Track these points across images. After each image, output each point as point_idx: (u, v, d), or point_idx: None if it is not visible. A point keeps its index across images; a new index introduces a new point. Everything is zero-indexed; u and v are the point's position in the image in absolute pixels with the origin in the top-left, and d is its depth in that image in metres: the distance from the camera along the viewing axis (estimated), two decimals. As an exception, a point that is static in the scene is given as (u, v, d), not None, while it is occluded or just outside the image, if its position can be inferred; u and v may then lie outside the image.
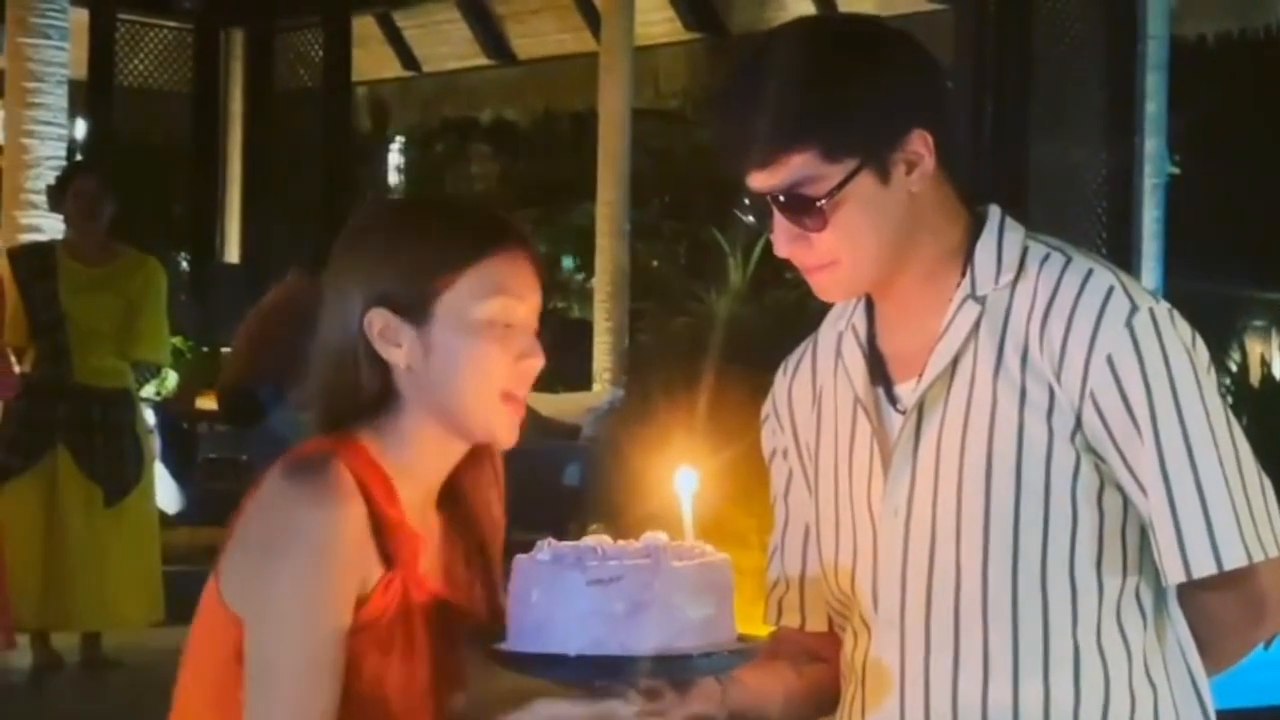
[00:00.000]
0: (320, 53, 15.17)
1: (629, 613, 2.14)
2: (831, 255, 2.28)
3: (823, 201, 2.23)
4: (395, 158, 23.62)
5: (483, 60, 16.44)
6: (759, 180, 2.27)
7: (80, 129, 14.72)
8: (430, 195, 12.35)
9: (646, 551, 2.20)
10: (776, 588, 2.50)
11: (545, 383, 11.65)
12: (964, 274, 2.31)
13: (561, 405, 13.40)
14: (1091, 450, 2.24)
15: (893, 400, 2.35)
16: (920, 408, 2.30)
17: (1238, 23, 12.81)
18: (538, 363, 2.24)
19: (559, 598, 2.15)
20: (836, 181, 2.23)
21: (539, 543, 2.20)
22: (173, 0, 14.98)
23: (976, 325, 2.28)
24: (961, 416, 2.27)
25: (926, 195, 2.30)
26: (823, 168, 2.23)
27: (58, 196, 8.51)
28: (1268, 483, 2.27)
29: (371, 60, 16.42)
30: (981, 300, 2.29)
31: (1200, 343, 2.27)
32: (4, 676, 8.40)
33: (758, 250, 8.68)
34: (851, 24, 2.51)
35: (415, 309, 2.19)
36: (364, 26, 15.91)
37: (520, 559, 2.20)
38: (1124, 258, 9.85)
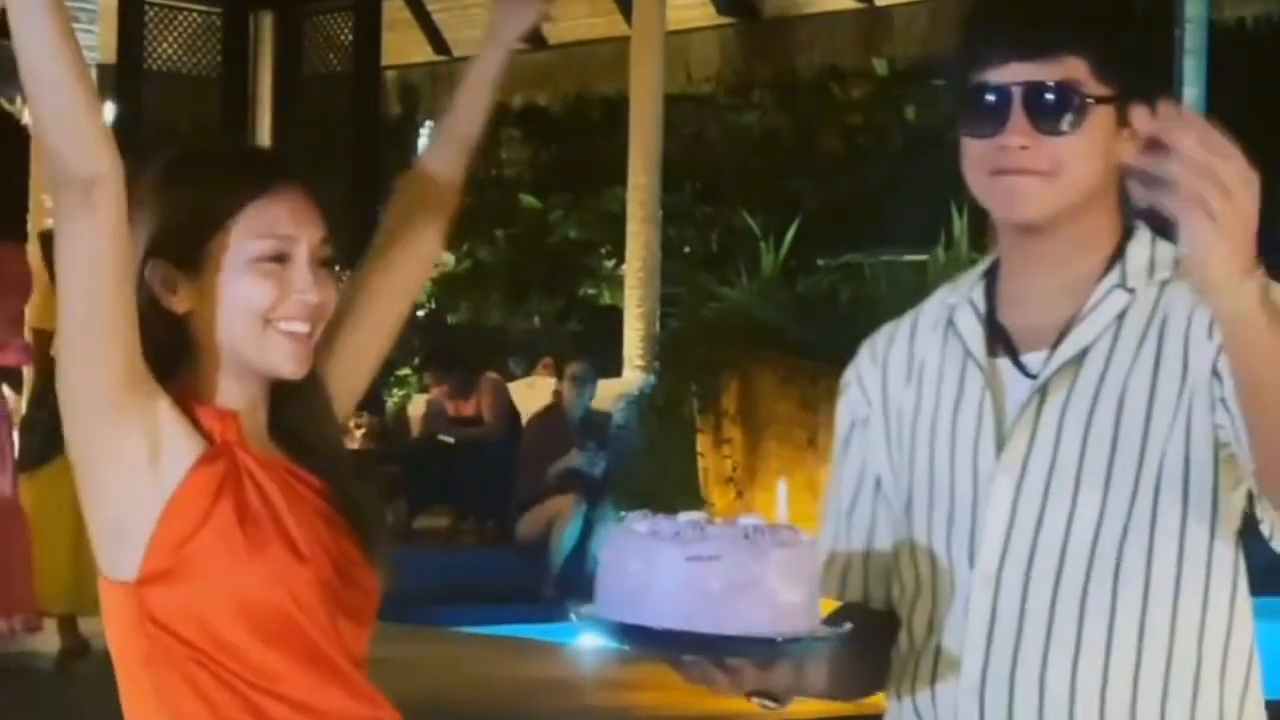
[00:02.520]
0: (350, 37, 15.21)
1: (724, 592, 2.16)
2: (1056, 163, 2.36)
3: (1089, 102, 2.35)
4: (425, 143, 23.62)
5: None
6: (1020, 71, 2.37)
7: (109, 113, 14.77)
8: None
9: (745, 532, 2.23)
10: (837, 560, 2.55)
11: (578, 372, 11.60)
12: (1111, 266, 2.41)
13: (606, 395, 13.47)
14: (1222, 445, 2.32)
15: (1020, 367, 2.43)
16: (1049, 377, 2.38)
17: (1278, 6, 12.70)
18: (314, 297, 2.32)
19: (655, 570, 2.17)
20: (1092, 96, 2.35)
21: (634, 514, 2.24)
22: (201, -17, 15.02)
23: (1122, 315, 2.38)
24: (1091, 394, 2.37)
25: (1115, 175, 2.40)
26: (1087, 80, 2.36)
27: None
28: None
29: (401, 44, 16.44)
30: (1131, 291, 2.40)
31: None
32: (31, 661, 8.48)
33: (790, 236, 8.68)
34: None
35: (188, 256, 2.30)
36: (394, 10, 15.93)
37: (618, 529, 2.24)
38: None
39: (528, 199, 21.76)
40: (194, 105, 15.29)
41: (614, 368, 14.77)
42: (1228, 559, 2.41)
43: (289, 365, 2.33)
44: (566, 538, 11.89)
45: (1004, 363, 2.45)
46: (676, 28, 14.89)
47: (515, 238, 21.82)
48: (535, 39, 16.37)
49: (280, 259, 2.29)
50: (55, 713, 7.85)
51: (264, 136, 15.43)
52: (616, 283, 18.20)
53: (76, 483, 2.28)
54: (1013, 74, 2.37)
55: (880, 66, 17.43)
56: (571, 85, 16.99)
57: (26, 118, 11.55)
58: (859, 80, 19.49)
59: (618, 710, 7.55)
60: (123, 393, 2.21)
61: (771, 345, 8.28)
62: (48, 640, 8.38)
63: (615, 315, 16.60)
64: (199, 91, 15.35)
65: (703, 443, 8.55)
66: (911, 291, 8.71)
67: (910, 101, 20.06)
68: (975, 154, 2.41)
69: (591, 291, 21.10)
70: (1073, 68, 2.37)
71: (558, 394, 13.20)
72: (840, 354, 8.64)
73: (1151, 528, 2.37)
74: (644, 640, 2.19)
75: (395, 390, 17.31)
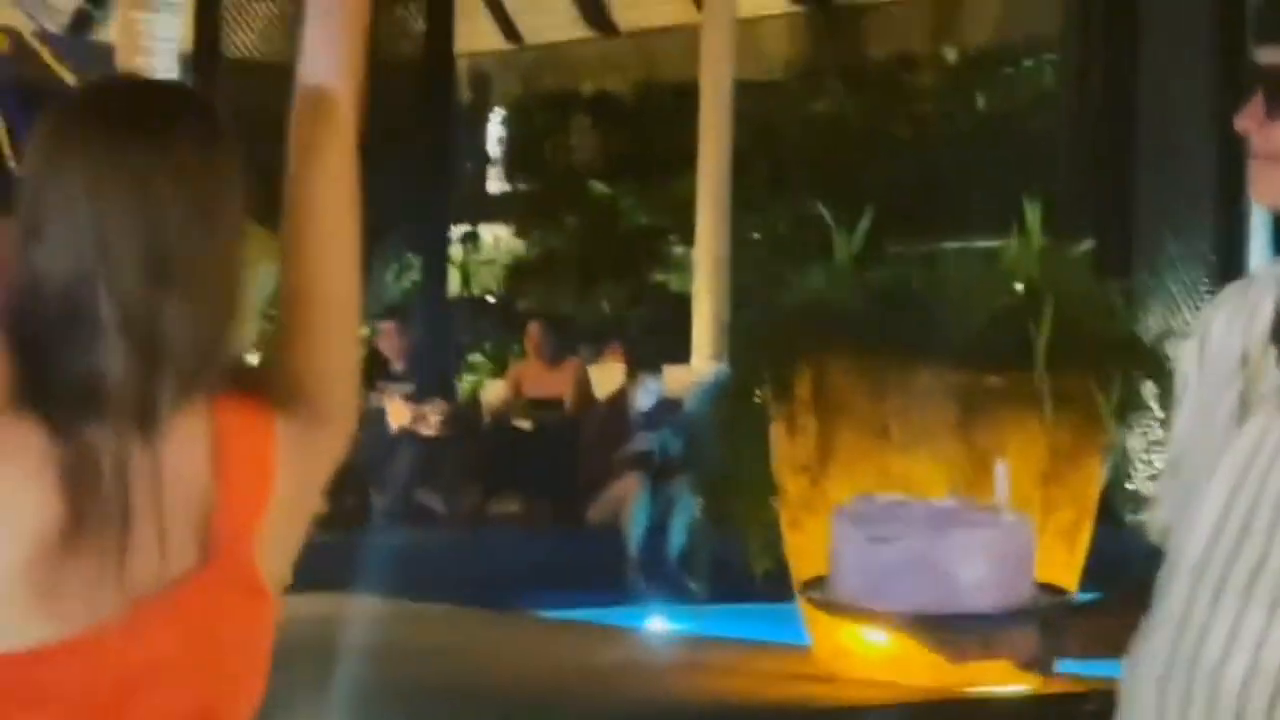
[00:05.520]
0: (422, 24, 15.27)
1: (898, 569, 2.36)
2: None
3: None
4: (496, 130, 23.71)
5: (585, 32, 16.52)
6: None
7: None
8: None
9: (930, 515, 2.40)
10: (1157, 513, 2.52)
11: (647, 359, 11.78)
12: None
13: (674, 381, 13.54)
14: None
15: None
16: None
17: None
18: None
19: (844, 549, 2.42)
20: None
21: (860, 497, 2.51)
22: (279, -27, 15.12)
23: None
24: None
25: None
26: None
27: None
28: None
29: (473, 32, 16.51)
30: None
31: None
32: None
33: (862, 225, 8.66)
34: None
35: None
36: (467, -1, 16.00)
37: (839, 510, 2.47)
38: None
39: (598, 186, 21.74)
40: (271, 92, 15.36)
41: (683, 354, 14.82)
42: None
43: None
44: (636, 520, 11.94)
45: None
46: (747, 15, 14.92)
47: (585, 225, 21.84)
48: (606, 25, 16.47)
49: None
50: None
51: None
52: (686, 269, 18.21)
53: None
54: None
55: (950, 53, 17.42)
56: (642, 72, 17.03)
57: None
58: (929, 67, 19.41)
59: (694, 694, 7.60)
60: None
61: (845, 334, 8.29)
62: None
63: (684, 302, 16.60)
64: (276, 79, 15.44)
65: (776, 430, 8.57)
66: (983, 280, 8.77)
67: (980, 88, 19.96)
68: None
69: (661, 278, 21.08)
70: None
71: (627, 380, 13.27)
72: (912, 344, 8.79)
73: None
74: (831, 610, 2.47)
75: (467, 377, 17.40)
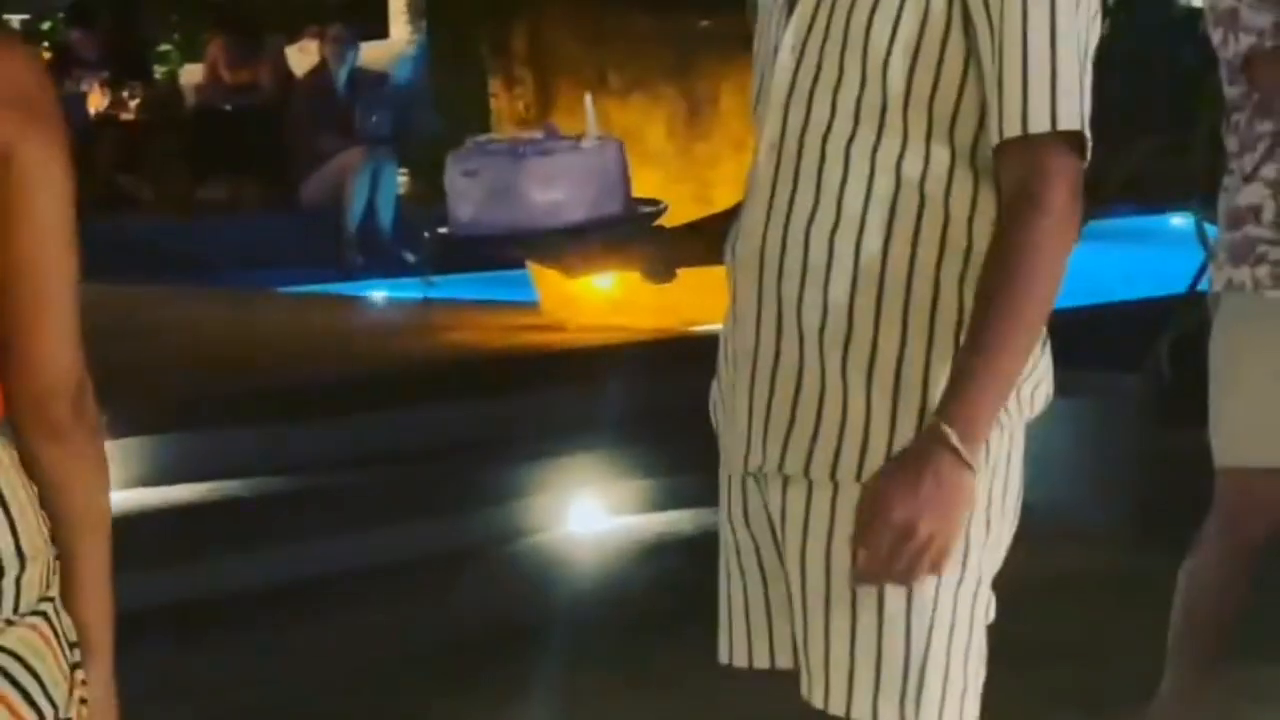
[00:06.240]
0: None
1: (484, 198, 2.62)
2: None
3: None
4: None
5: None
6: None
7: None
8: None
9: (512, 148, 2.64)
10: None
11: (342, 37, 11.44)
12: None
13: (369, 54, 13.50)
14: (969, 20, 2.40)
15: None
16: None
17: None
18: None
19: (449, 186, 2.67)
20: None
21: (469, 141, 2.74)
22: None
23: None
24: None
25: None
26: None
27: None
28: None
29: None
30: None
31: None
32: None
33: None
34: None
35: None
36: None
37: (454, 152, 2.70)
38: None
39: None
40: None
41: (380, 31, 14.72)
42: (968, 175, 2.45)
43: None
44: (357, 196, 11.96)
45: None
46: None
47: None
48: None
49: None
50: None
51: None
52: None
53: None
54: None
55: None
56: None
57: None
58: None
59: (430, 350, 7.72)
60: None
61: None
62: None
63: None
64: None
65: (494, 85, 8.60)
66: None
67: None
68: None
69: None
70: None
71: (323, 58, 13.17)
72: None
73: (898, 139, 2.43)
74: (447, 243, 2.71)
75: (159, 65, 17.01)
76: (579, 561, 6.00)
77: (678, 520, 6.24)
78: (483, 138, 2.85)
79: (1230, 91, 4.00)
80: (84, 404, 2.12)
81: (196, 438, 6.19)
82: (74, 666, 2.12)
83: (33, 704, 2.04)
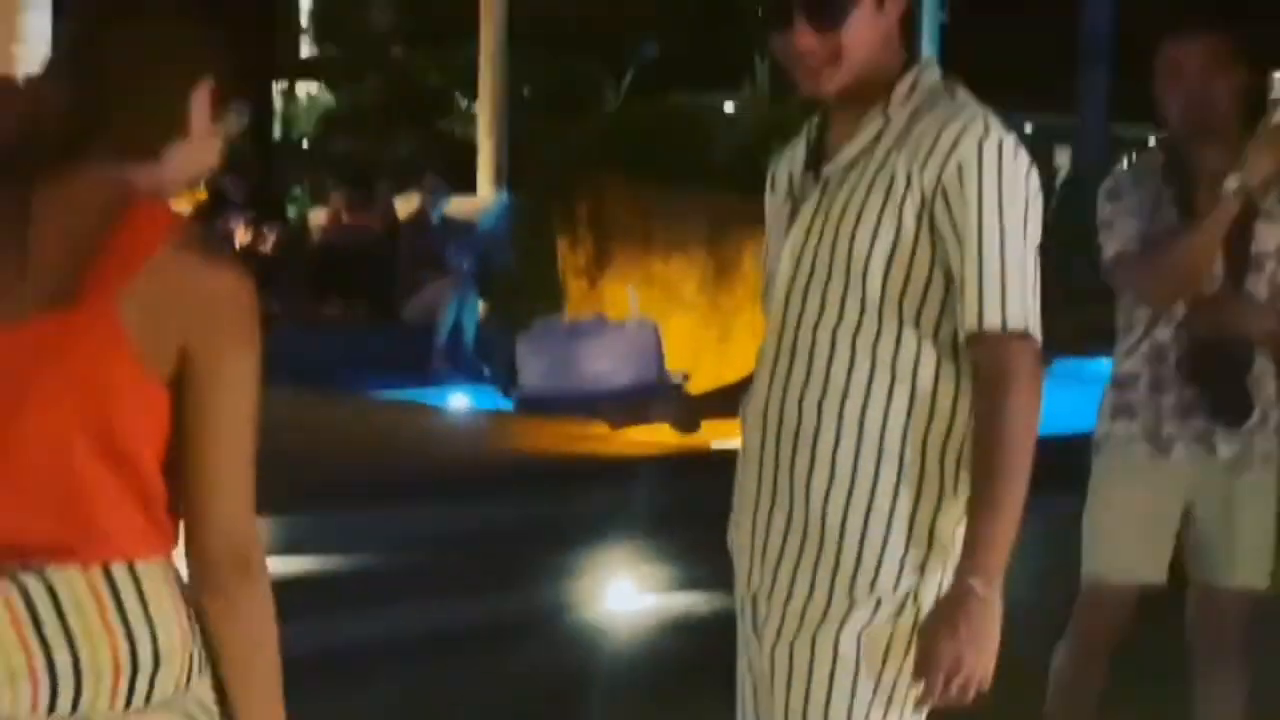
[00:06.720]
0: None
1: (548, 369, 2.74)
2: (837, 52, 2.46)
3: (845, 2, 2.44)
4: (306, 5, 23.29)
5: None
6: None
7: None
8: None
9: (569, 330, 2.79)
10: None
11: (439, 190, 11.49)
12: (887, 99, 2.50)
13: (461, 207, 13.54)
14: (937, 232, 2.42)
15: (816, 178, 2.56)
16: (826, 183, 2.52)
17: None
18: None
19: (521, 360, 2.79)
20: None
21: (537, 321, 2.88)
22: None
23: (878, 136, 2.49)
24: (856, 201, 2.47)
25: (894, 30, 2.51)
26: None
27: None
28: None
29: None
30: (888, 117, 2.49)
31: (1034, 173, 2.46)
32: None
33: (628, 78, 8.81)
34: None
35: None
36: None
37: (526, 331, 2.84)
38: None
39: (396, 50, 21.49)
40: None
41: (469, 187, 14.79)
42: (933, 353, 2.46)
43: None
44: (445, 322, 11.93)
45: (812, 175, 2.56)
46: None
47: (387, 83, 21.56)
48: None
49: None
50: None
51: None
52: (470, 120, 18.07)
53: None
54: None
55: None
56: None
57: None
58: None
59: (501, 447, 7.70)
60: None
61: (614, 170, 8.35)
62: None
63: (467, 147, 16.49)
64: None
65: (561, 240, 8.60)
66: (721, 127, 8.86)
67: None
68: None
69: (448, 128, 20.90)
70: None
71: (422, 206, 13.26)
72: (667, 176, 8.91)
73: (884, 286, 2.43)
74: (539, 403, 2.81)
75: (291, 207, 17.15)
76: (616, 631, 5.96)
77: (696, 600, 6.17)
78: (547, 320, 2.92)
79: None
80: (250, 570, 2.05)
81: (309, 517, 6.14)
82: None
83: None
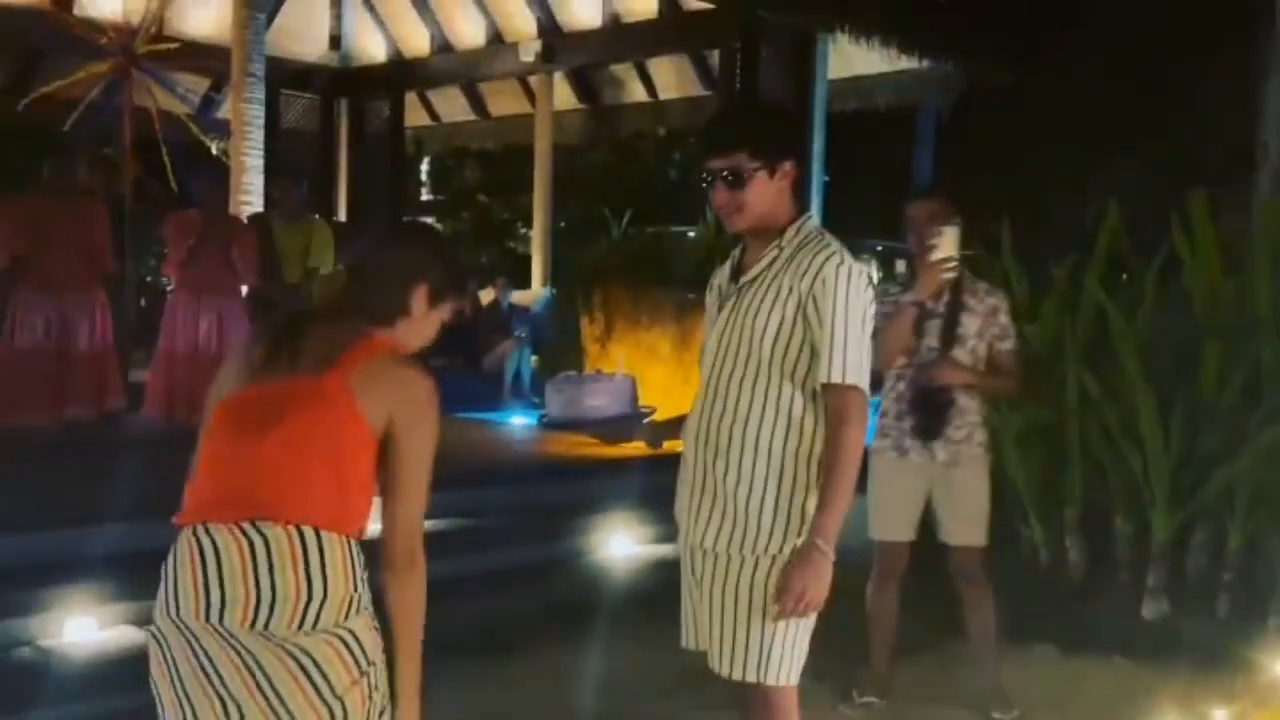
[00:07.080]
0: (387, 111, 14.93)
1: (565, 404, 2.80)
2: (741, 205, 2.47)
3: (746, 175, 2.43)
4: (426, 168, 23.24)
5: (472, 116, 16.31)
6: (716, 163, 2.43)
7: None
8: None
9: (580, 380, 2.90)
10: None
11: (506, 286, 11.48)
12: (781, 236, 2.52)
13: (521, 297, 13.42)
14: (807, 320, 2.43)
15: (736, 285, 2.56)
16: (740, 291, 2.53)
17: (871, 102, 11.82)
18: None
19: (548, 399, 2.79)
20: (752, 169, 2.44)
21: (562, 373, 2.86)
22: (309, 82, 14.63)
23: (773, 260, 2.51)
24: (758, 300, 2.48)
25: (785, 193, 2.51)
26: (747, 162, 2.43)
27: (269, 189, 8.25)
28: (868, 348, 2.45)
29: (413, 115, 16.18)
30: (781, 248, 2.51)
31: (870, 287, 2.46)
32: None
33: (625, 220, 8.89)
34: (780, 105, 2.74)
35: None
36: (410, 98, 15.69)
37: (553, 381, 2.81)
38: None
39: (481, 197, 21.49)
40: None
41: (526, 284, 14.82)
42: (802, 397, 2.41)
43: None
44: (510, 368, 11.94)
45: (734, 285, 2.52)
46: (559, 108, 14.80)
47: (474, 218, 21.56)
48: (484, 112, 16.14)
49: None
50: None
51: (342, 169, 15.13)
52: (527, 241, 18.09)
53: None
54: (715, 164, 2.42)
55: (661, 130, 17.39)
56: (503, 139, 16.81)
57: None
58: (652, 138, 19.45)
59: (542, 451, 7.54)
60: None
61: (617, 276, 8.32)
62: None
63: (526, 258, 16.47)
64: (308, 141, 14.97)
65: (584, 318, 8.44)
66: (688, 249, 8.86)
67: (677, 149, 20.04)
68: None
69: (514, 246, 20.92)
70: (740, 158, 2.39)
71: (495, 296, 13.25)
72: (651, 279, 8.94)
73: (773, 362, 2.41)
74: (559, 425, 2.85)
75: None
76: (616, 569, 5.86)
77: (666, 550, 6.07)
78: (565, 373, 3.01)
79: None
80: (415, 561, 2.05)
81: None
82: (364, 679, 1.95)
83: (319, 694, 1.89)
